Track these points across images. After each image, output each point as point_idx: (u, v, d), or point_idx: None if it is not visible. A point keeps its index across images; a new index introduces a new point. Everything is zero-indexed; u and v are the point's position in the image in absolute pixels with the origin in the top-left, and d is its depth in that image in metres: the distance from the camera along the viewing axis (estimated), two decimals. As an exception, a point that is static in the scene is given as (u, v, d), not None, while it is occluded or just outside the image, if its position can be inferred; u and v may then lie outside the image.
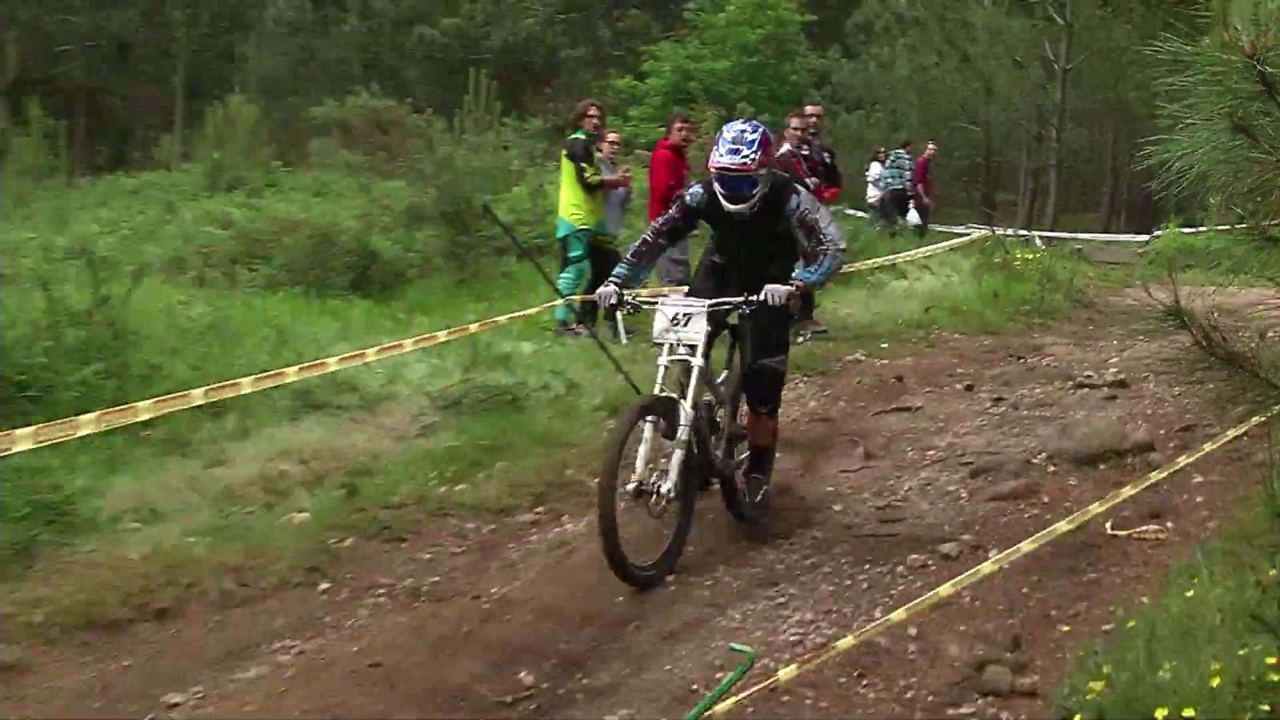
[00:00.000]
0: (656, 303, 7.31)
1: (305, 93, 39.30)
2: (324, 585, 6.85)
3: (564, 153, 12.70)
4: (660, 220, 7.63)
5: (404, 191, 18.55)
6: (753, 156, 7.08)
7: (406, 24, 47.55)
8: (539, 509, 8.03)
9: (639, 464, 6.68)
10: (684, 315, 7.08)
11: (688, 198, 7.54)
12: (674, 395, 6.98)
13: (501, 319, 10.13)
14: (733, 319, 7.55)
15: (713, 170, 7.22)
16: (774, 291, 7.07)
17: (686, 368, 7.06)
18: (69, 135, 32.38)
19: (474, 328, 9.16)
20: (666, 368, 7.07)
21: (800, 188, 7.62)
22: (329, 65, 44.39)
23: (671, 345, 7.09)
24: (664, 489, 6.71)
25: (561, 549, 7.35)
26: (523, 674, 5.76)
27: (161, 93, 43.89)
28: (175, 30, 44.44)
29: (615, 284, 7.30)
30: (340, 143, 30.97)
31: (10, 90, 35.34)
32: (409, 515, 7.64)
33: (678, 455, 6.83)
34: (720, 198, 7.23)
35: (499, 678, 5.72)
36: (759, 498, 7.73)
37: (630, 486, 6.60)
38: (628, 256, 7.56)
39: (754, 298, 7.11)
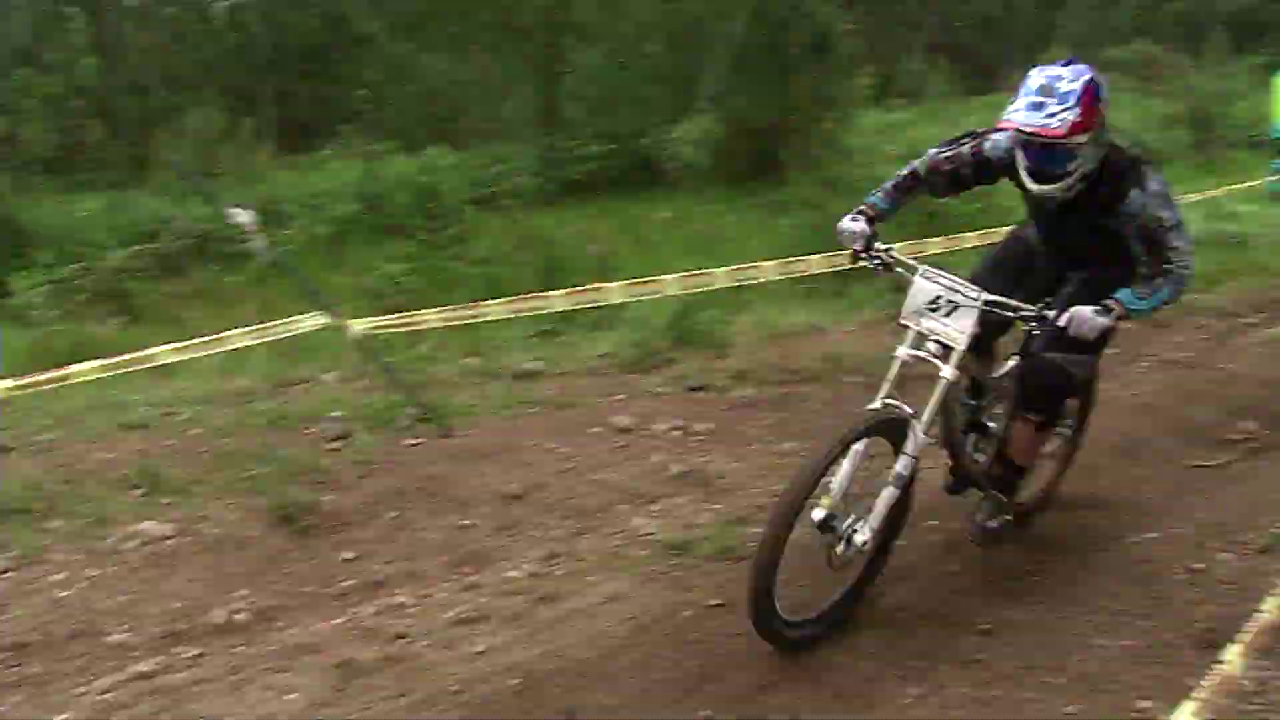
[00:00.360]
0: (916, 269, 3.36)
1: (1103, 45, 36.73)
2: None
3: (1276, 78, 10.90)
4: (944, 152, 3.48)
5: (1162, 106, 17.65)
6: (1065, 117, 3.04)
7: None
8: (1259, 314, 7.11)
9: (835, 489, 3.18)
10: (948, 302, 3.25)
11: (987, 145, 3.41)
12: (908, 414, 3.26)
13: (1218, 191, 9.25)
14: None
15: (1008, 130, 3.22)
16: (1081, 321, 3.14)
17: (933, 374, 3.30)
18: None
19: (1214, 193, 8.26)
20: (905, 363, 3.31)
21: (1152, 177, 3.23)
22: (1118, 27, 40.70)
23: (921, 335, 3.29)
24: (858, 539, 3.19)
25: (1274, 344, 6.45)
26: (1248, 423, 5.13)
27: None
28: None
29: (866, 216, 3.41)
30: (1120, 76, 29.38)
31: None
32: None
33: (887, 494, 3.25)
34: (1022, 170, 3.28)
35: (1227, 423, 5.14)
36: (991, 523, 3.70)
37: (818, 515, 3.13)
38: (889, 184, 3.52)
39: (1050, 316, 3.18)
